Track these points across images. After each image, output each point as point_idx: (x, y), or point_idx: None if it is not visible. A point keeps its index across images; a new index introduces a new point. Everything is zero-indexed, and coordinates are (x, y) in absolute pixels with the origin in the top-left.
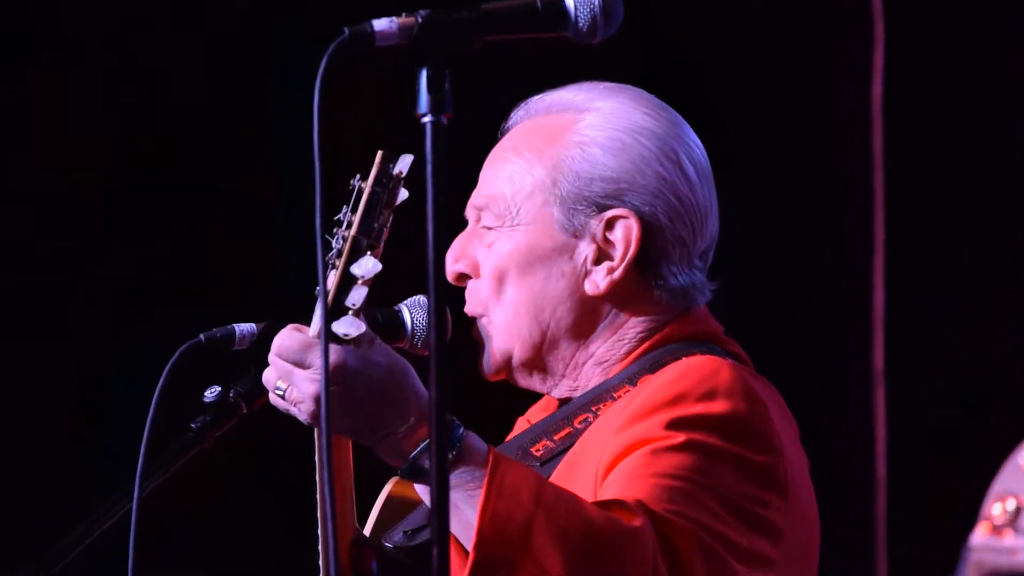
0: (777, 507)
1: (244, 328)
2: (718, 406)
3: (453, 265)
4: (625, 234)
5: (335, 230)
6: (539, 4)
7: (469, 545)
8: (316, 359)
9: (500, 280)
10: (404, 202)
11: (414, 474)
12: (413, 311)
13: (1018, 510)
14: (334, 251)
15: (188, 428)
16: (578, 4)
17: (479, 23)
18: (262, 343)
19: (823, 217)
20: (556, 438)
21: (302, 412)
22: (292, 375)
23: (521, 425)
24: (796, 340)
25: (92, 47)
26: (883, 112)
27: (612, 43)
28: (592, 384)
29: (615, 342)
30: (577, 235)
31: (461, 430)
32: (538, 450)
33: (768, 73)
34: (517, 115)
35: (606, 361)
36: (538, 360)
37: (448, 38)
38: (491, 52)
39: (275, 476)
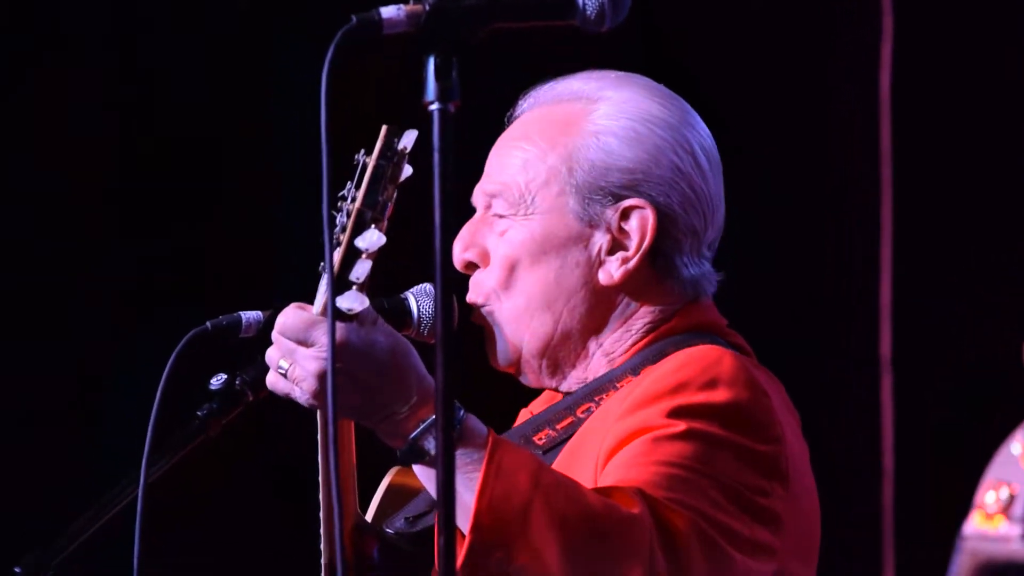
0: (778, 496)
1: (250, 316)
2: (720, 395)
3: (463, 253)
4: (641, 224)
5: (340, 204)
6: None
7: (466, 527)
8: (320, 336)
9: (511, 269)
10: (410, 186)
11: (414, 455)
12: (419, 299)
13: (1011, 498)
14: (338, 227)
15: (194, 416)
16: None
17: (487, 11)
18: (268, 331)
19: (830, 211)
20: (559, 427)
21: (304, 391)
22: (295, 353)
23: (524, 417)
24: (802, 332)
25: (92, 47)
26: (891, 106)
27: (613, 37)
28: (599, 375)
29: (623, 332)
30: (592, 225)
31: (462, 412)
32: (540, 439)
33: (772, 68)
34: (525, 103)
35: (613, 352)
36: (549, 351)
37: (456, 26)
38: (492, 44)
39: (277, 462)
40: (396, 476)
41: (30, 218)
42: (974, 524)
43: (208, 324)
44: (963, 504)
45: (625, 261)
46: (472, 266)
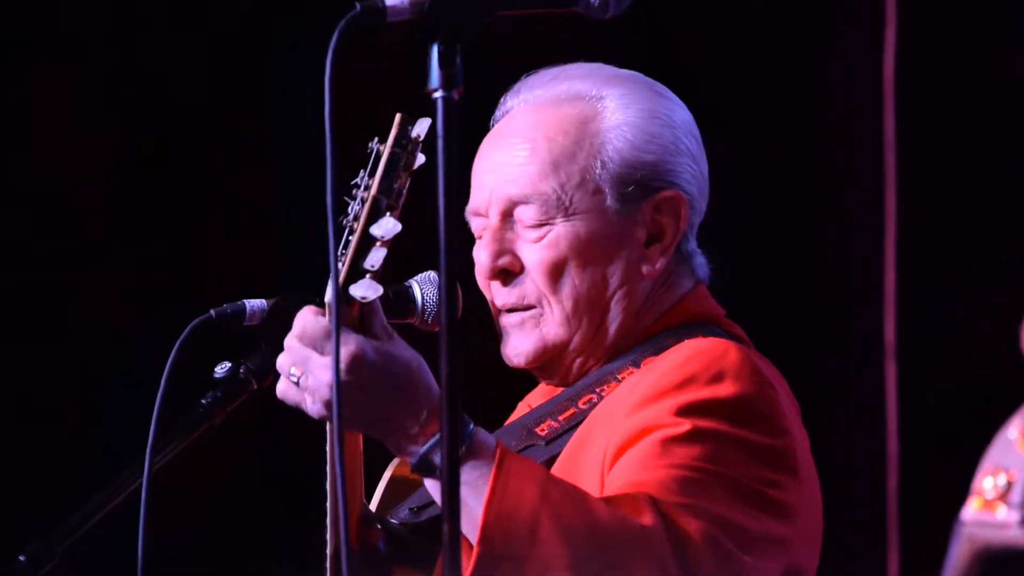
0: (789, 487)
1: (254, 304)
2: (726, 389)
3: (496, 261)
4: (674, 212)
5: (353, 191)
6: None
7: (474, 538)
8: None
9: (559, 273)
10: (413, 172)
11: (424, 469)
12: (423, 287)
13: (1009, 484)
14: (350, 215)
15: (198, 404)
16: None
17: None
18: (272, 319)
19: (832, 208)
20: (561, 418)
21: (315, 400)
22: (309, 361)
23: (522, 409)
24: (804, 329)
25: (92, 47)
26: (894, 103)
27: (613, 36)
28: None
29: (637, 320)
30: (631, 219)
31: (471, 426)
32: (543, 430)
33: (773, 65)
34: (512, 107)
35: (628, 340)
36: (589, 346)
37: (459, 13)
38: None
39: (282, 450)
40: (399, 466)
41: (30, 218)
42: (972, 510)
43: (212, 312)
44: (966, 495)
45: (664, 251)
46: (504, 273)
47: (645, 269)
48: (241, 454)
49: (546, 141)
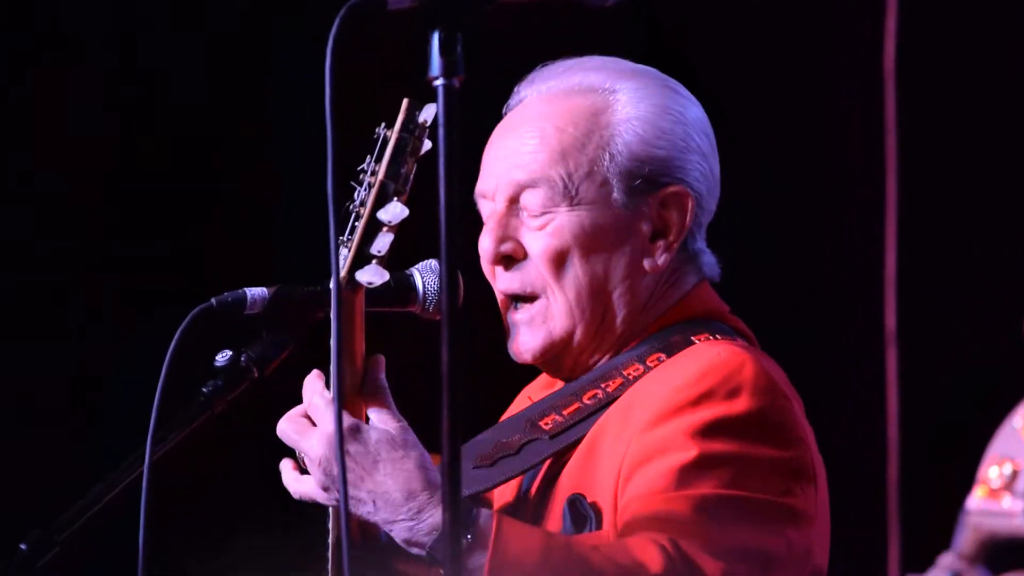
0: (808, 495)
1: (255, 292)
2: (742, 404)
3: (498, 247)
4: (680, 209)
5: (360, 177)
6: None
7: None
8: (315, 447)
9: (562, 262)
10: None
11: (433, 561)
12: (425, 275)
13: (1015, 474)
14: (356, 201)
15: (199, 393)
16: None
17: None
18: (273, 307)
19: (831, 202)
20: (565, 413)
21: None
22: (299, 444)
23: (523, 400)
24: (807, 314)
25: (92, 47)
26: (895, 96)
27: (614, 30)
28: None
29: (642, 315)
30: (636, 212)
31: (474, 511)
32: (547, 424)
33: (773, 58)
34: (526, 95)
35: (632, 335)
36: (595, 341)
37: (460, 1)
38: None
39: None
40: None
41: (30, 218)
42: (978, 499)
43: (213, 301)
44: (969, 484)
45: (668, 248)
46: (507, 259)
47: (648, 264)
48: (242, 443)
49: (556, 130)
